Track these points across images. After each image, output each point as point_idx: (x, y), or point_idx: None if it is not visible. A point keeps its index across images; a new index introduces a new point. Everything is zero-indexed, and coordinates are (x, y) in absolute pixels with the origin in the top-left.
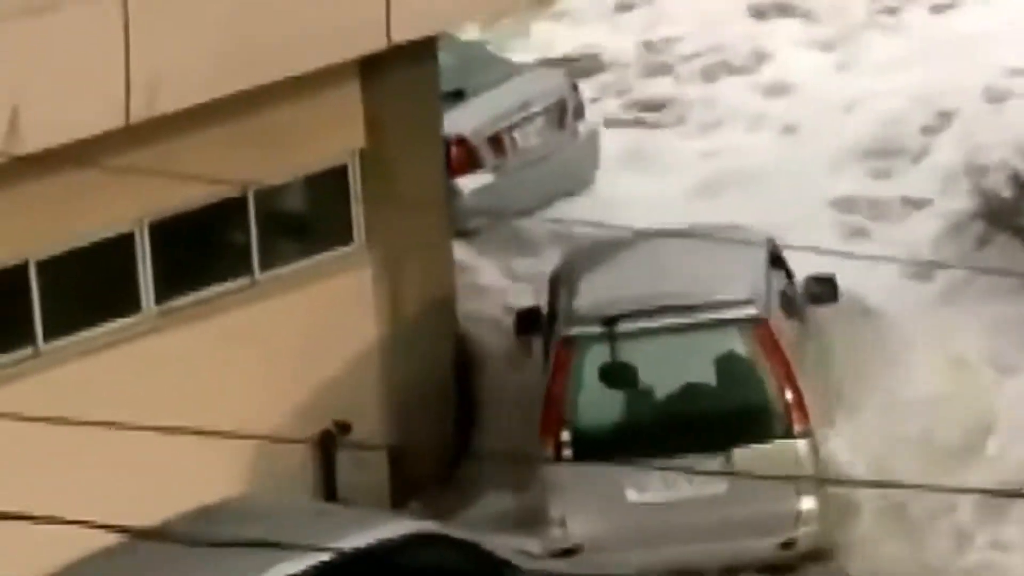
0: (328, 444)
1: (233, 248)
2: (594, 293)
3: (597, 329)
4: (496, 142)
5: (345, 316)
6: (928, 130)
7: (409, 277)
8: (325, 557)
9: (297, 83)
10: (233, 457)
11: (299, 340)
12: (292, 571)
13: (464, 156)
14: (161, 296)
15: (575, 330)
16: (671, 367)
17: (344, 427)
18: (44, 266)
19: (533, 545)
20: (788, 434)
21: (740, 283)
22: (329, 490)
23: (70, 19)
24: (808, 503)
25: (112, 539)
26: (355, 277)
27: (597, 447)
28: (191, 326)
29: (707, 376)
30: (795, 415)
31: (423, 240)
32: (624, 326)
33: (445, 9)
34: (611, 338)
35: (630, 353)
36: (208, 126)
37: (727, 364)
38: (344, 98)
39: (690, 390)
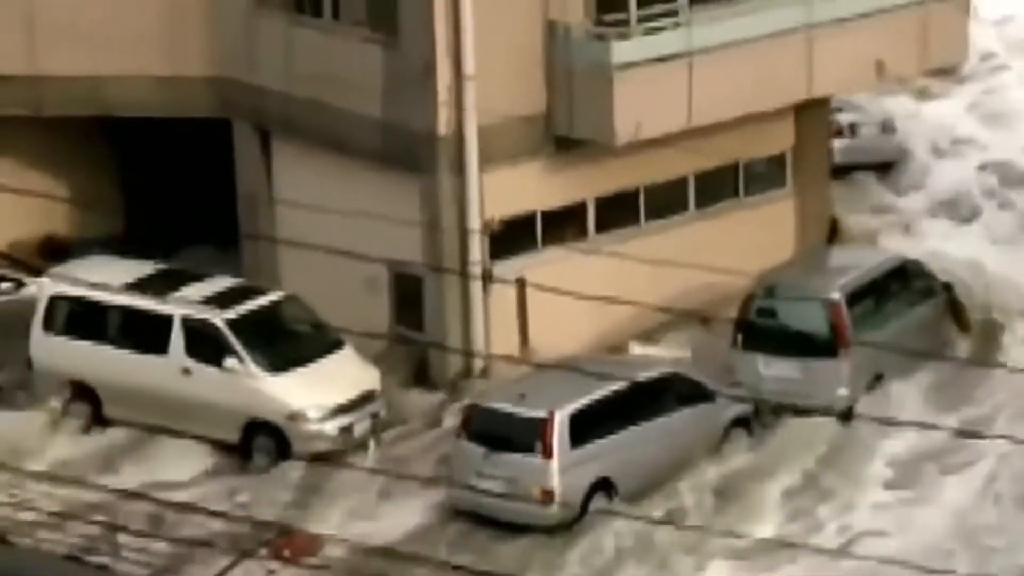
0: None
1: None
2: None
3: None
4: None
5: (776, 230)
6: None
7: (810, 205)
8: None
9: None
10: None
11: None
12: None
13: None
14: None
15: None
16: None
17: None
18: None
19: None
20: None
21: None
22: None
23: None
24: None
25: None
26: (784, 206)
27: None
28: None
29: None
30: None
31: (814, 186)
32: None
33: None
34: None
35: None
36: (714, 132)
37: None
38: (785, 123)
39: None
